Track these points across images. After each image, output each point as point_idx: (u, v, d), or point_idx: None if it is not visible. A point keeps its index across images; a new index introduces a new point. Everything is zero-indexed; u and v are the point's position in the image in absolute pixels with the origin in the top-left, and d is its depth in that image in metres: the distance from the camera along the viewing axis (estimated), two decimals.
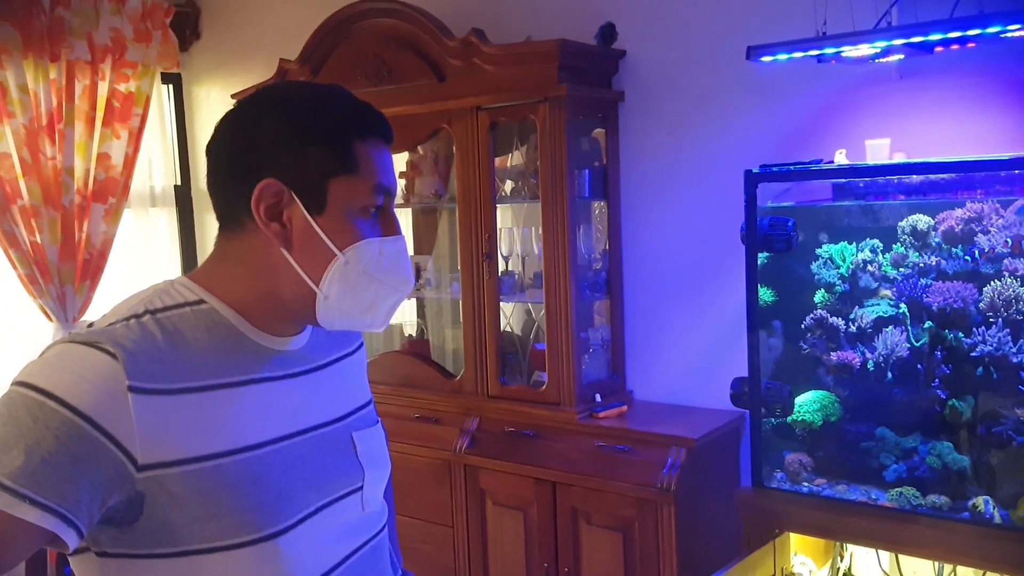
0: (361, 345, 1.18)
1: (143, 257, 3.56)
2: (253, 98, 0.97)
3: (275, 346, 0.99)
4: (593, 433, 2.41)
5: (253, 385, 0.95)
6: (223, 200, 0.97)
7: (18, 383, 0.84)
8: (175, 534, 0.88)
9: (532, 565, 2.47)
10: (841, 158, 2.00)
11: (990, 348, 1.75)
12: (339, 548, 1.01)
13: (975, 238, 1.81)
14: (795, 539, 1.94)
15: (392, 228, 0.98)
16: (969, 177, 1.88)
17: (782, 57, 2.01)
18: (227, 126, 0.97)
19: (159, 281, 0.98)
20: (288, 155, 0.93)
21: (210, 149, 0.98)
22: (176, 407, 0.88)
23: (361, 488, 1.04)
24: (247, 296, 0.97)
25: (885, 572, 2.00)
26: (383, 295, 0.98)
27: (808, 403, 1.96)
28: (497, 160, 2.68)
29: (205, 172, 0.98)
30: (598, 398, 2.52)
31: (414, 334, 3.16)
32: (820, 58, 2.08)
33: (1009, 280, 1.74)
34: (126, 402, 0.84)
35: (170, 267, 3.62)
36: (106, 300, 3.36)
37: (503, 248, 2.65)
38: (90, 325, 0.93)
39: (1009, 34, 1.82)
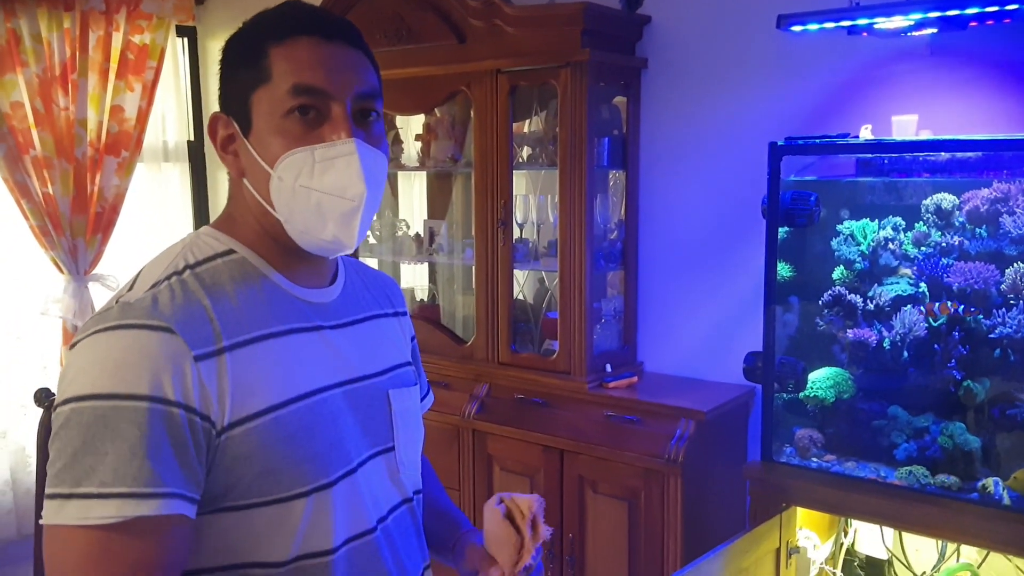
0: (405, 313, 1.17)
1: (155, 212, 3.56)
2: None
3: (305, 297, 0.98)
4: (602, 403, 2.42)
5: (293, 335, 0.94)
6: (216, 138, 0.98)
7: (86, 396, 0.81)
8: (236, 490, 0.88)
9: None
10: (867, 133, 1.98)
11: (1009, 330, 1.75)
12: (378, 506, 1.01)
13: (1000, 219, 1.80)
14: (801, 513, 1.96)
15: (335, 131, 0.90)
16: (997, 157, 1.86)
17: (813, 27, 1.98)
18: None
19: (186, 234, 0.99)
20: (224, 83, 0.95)
21: None
22: (235, 364, 0.87)
23: (394, 448, 1.03)
24: (257, 238, 0.96)
25: (889, 549, 2.02)
26: (329, 207, 0.91)
27: (821, 380, 1.97)
28: (515, 125, 2.67)
29: None
30: (608, 368, 2.54)
31: (425, 299, 3.17)
32: (851, 30, 2.06)
33: None
34: (197, 373, 0.84)
35: (182, 223, 3.63)
36: (117, 254, 3.37)
37: (518, 215, 2.64)
38: (130, 288, 0.90)
39: None
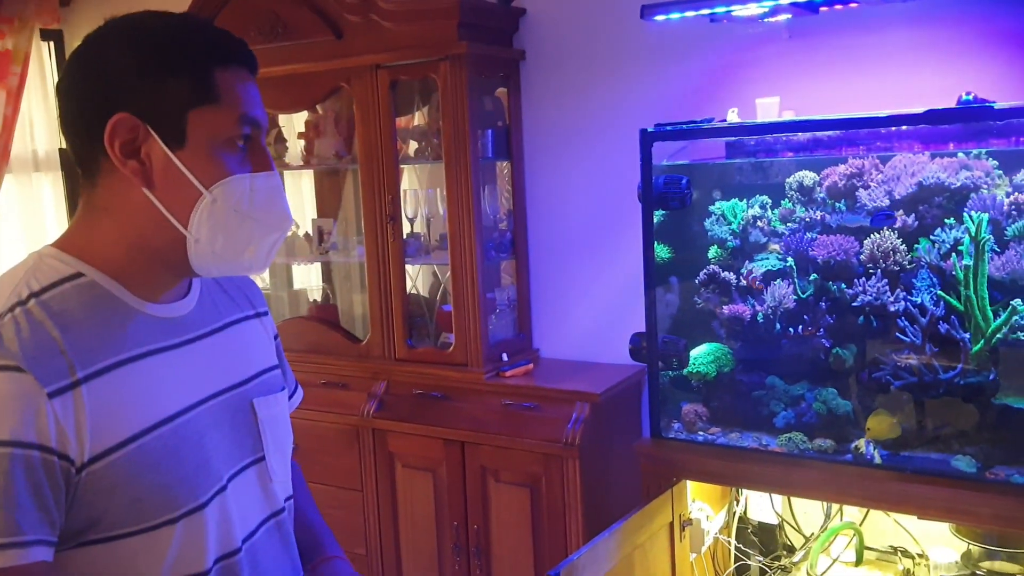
0: (266, 313, 1.14)
1: (27, 225, 3.36)
2: (102, 30, 0.91)
3: (161, 314, 0.94)
4: (500, 392, 2.42)
5: (149, 357, 0.91)
6: (78, 143, 0.90)
7: None
8: (102, 523, 0.85)
9: (442, 525, 2.49)
10: (733, 117, 2.04)
11: (870, 298, 1.83)
12: (247, 521, 0.98)
13: (856, 192, 1.88)
14: (693, 486, 2.01)
15: (264, 163, 0.93)
16: (853, 134, 1.94)
17: (675, 16, 2.02)
18: (76, 62, 0.90)
19: (26, 257, 0.92)
20: (142, 87, 0.87)
21: (59, 89, 0.92)
22: (92, 396, 0.84)
23: (264, 458, 1.01)
24: (120, 256, 0.91)
25: (778, 514, 2.09)
26: (259, 234, 0.93)
27: (703, 355, 2.02)
28: (400, 120, 2.63)
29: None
30: (505, 357, 2.54)
31: (319, 299, 3.10)
32: (712, 18, 2.11)
33: (887, 232, 1.82)
34: (52, 411, 0.81)
35: (56, 234, 3.42)
36: None
37: (408, 210, 2.61)
38: None
39: None
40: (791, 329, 1.92)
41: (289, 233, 2.95)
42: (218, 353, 1.00)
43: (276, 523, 1.03)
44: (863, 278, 1.84)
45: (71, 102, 0.90)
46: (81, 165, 0.91)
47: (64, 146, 3.32)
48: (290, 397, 1.17)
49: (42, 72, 3.38)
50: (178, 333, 0.95)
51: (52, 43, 3.43)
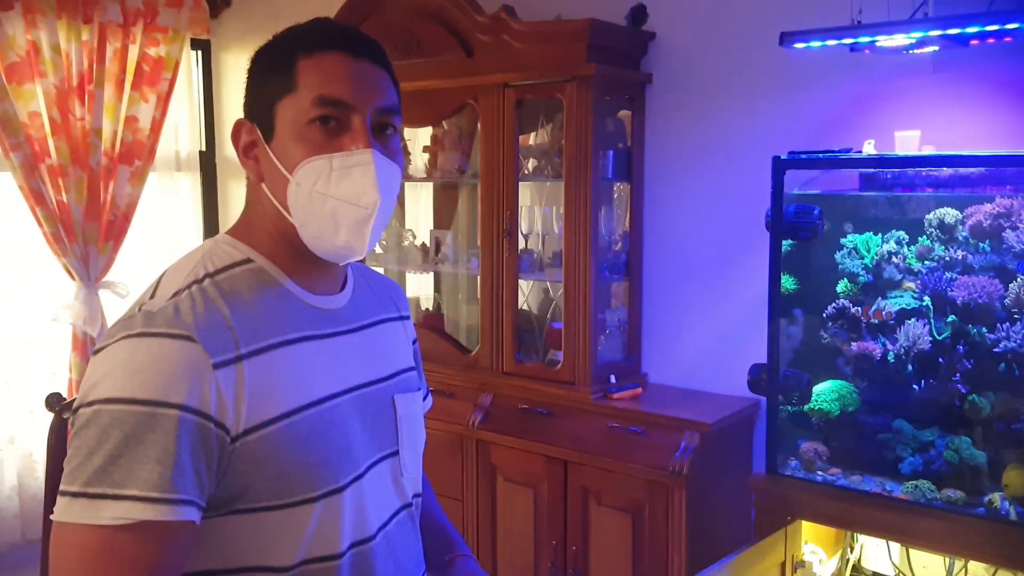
0: (408, 317, 1.19)
1: (166, 221, 3.55)
2: None
3: (318, 304, 0.99)
4: (606, 414, 2.39)
5: (306, 342, 0.95)
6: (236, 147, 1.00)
7: (108, 400, 0.82)
8: (248, 495, 0.88)
9: (540, 542, 2.46)
10: (870, 148, 1.96)
11: (1014, 344, 1.72)
12: (382, 511, 1.01)
13: (1003, 233, 1.77)
14: (806, 527, 1.92)
15: (353, 141, 0.92)
16: (999, 172, 1.84)
17: (815, 44, 1.96)
18: None
19: (204, 241, 1.01)
20: (250, 91, 0.97)
21: None
22: (252, 371, 0.88)
23: (398, 452, 1.04)
24: (273, 245, 0.97)
25: (895, 565, 1.98)
26: (343, 213, 0.93)
27: (826, 392, 1.94)
28: (521, 138, 2.65)
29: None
30: (613, 379, 2.50)
31: (431, 308, 3.15)
32: (853, 47, 2.04)
33: None
34: (216, 380, 0.85)
35: (192, 232, 3.61)
36: (128, 261, 3.36)
37: (523, 226, 2.63)
38: (152, 295, 0.91)
39: None
40: (926, 375, 1.82)
41: (407, 243, 3.03)
42: (365, 348, 1.04)
43: (408, 514, 1.07)
44: (1007, 323, 1.73)
45: None
46: (242, 164, 1.01)
47: (204, 149, 3.52)
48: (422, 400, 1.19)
49: (189, 79, 3.59)
50: (332, 324, 1.00)
51: (200, 52, 3.64)
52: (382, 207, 0.93)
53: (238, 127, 0.98)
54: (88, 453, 0.81)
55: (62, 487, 0.82)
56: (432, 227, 3.09)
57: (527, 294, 2.82)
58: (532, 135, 2.74)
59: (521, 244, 2.63)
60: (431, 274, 3.15)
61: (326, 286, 1.01)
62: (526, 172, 2.66)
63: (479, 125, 2.63)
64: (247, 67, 0.99)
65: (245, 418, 0.87)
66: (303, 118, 0.92)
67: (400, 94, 1.00)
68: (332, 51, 0.93)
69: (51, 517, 0.83)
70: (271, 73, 0.95)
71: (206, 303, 0.89)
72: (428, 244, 2.99)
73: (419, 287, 3.26)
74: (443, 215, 3.11)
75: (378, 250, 3.10)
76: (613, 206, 2.63)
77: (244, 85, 0.99)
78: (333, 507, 0.92)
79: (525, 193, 2.81)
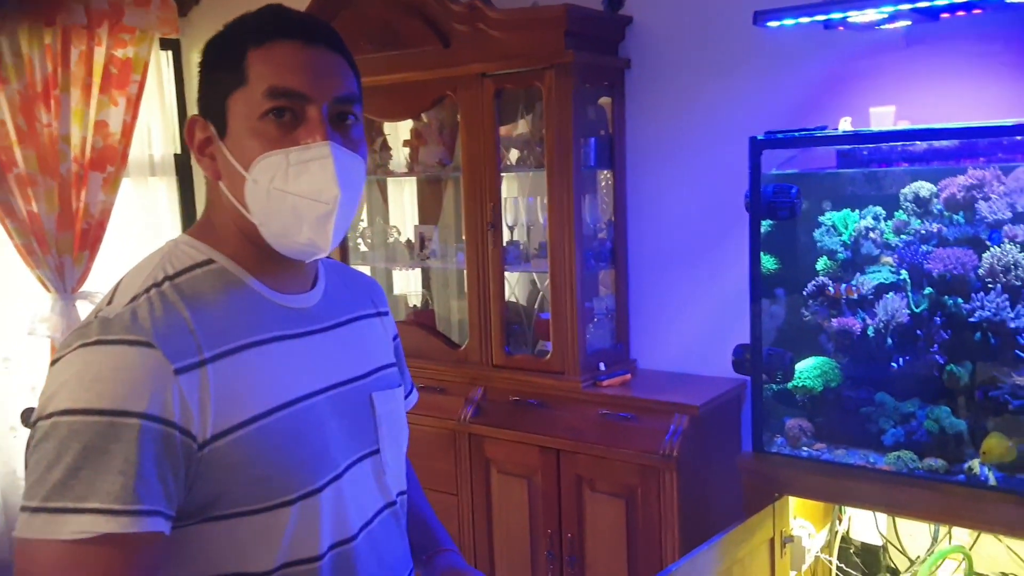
0: (386, 313, 1.21)
1: (143, 227, 3.66)
2: None
3: (287, 304, 1.01)
4: (597, 401, 2.53)
5: (276, 343, 0.97)
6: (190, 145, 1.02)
7: (66, 411, 0.84)
8: (222, 501, 0.90)
9: (536, 532, 2.61)
10: (846, 125, 2.10)
11: (988, 314, 1.87)
12: (364, 510, 1.04)
13: (976, 205, 1.92)
14: (795, 503, 2.07)
15: (310, 134, 0.93)
16: (972, 145, 1.98)
17: (789, 22, 2.11)
18: None
19: (163, 244, 1.02)
20: (201, 86, 0.98)
21: None
22: (217, 375, 0.90)
23: (379, 451, 1.07)
24: (235, 244, 0.99)
25: (882, 535, 2.13)
26: (304, 210, 0.93)
27: (809, 369, 2.09)
28: (502, 129, 2.79)
29: None
30: (602, 367, 2.65)
31: (419, 304, 3.29)
32: (827, 24, 2.18)
33: (1008, 246, 1.85)
34: (178, 387, 0.87)
35: (171, 237, 3.70)
36: (105, 270, 3.45)
37: (508, 218, 2.76)
38: (109, 302, 0.94)
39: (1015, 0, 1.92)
40: (905, 348, 1.97)
41: (392, 240, 3.16)
42: (340, 346, 1.06)
43: (392, 513, 1.10)
44: (981, 293, 1.88)
45: None
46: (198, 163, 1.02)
47: (179, 151, 3.60)
48: (406, 397, 1.23)
49: (160, 80, 3.70)
50: (303, 324, 1.02)
51: (171, 52, 3.76)
52: (344, 201, 0.94)
53: (191, 124, 0.98)
54: (47, 467, 0.82)
55: (23, 503, 0.84)
56: (417, 222, 3.23)
57: (514, 286, 2.96)
58: (513, 125, 2.87)
59: (507, 236, 2.77)
60: (418, 270, 3.29)
61: (294, 285, 1.03)
62: (509, 163, 2.80)
63: (459, 117, 2.77)
64: (199, 61, 0.99)
65: (212, 423, 0.88)
66: (255, 112, 0.92)
67: (360, 82, 1.01)
68: (283, 40, 0.93)
69: (13, 534, 0.84)
70: (221, 67, 0.95)
71: (165, 307, 0.90)
72: (413, 240, 3.12)
73: (407, 284, 3.40)
74: (429, 210, 3.25)
75: (363, 248, 3.24)
76: (597, 194, 2.77)
77: (197, 81, 1.00)
78: (311, 509, 0.95)
79: (509, 184, 2.95)
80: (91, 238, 3.40)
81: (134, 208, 3.64)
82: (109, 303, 0.93)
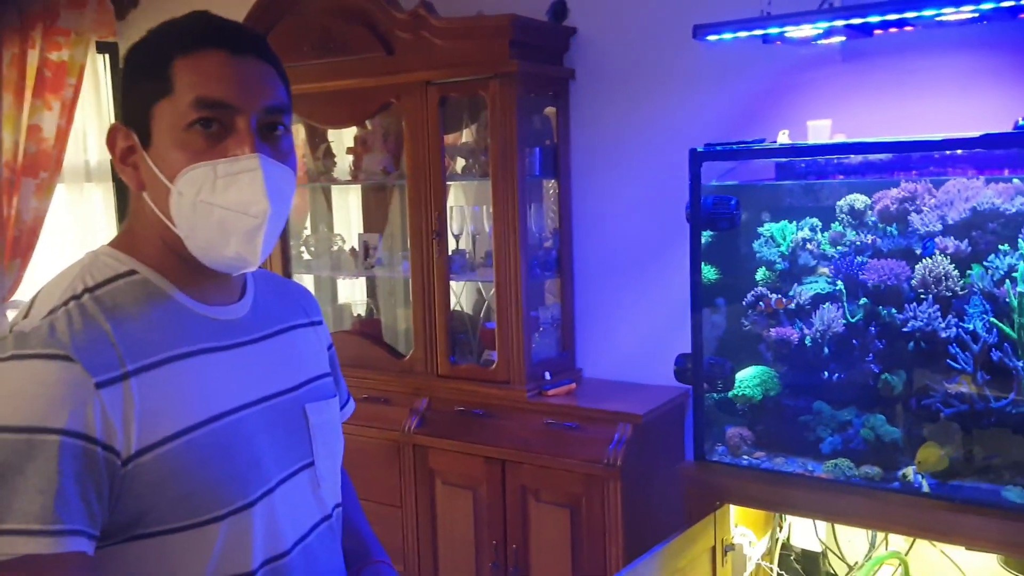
0: (320, 322, 1.19)
1: (78, 234, 3.57)
2: None
3: (214, 315, 0.99)
4: (542, 411, 2.53)
5: (203, 355, 0.95)
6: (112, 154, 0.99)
7: None
8: (148, 518, 0.88)
9: (481, 543, 2.59)
10: (784, 138, 2.13)
11: (921, 324, 1.91)
12: (298, 525, 1.02)
13: (908, 217, 1.96)
14: (736, 511, 2.09)
15: (239, 145, 0.91)
16: (905, 158, 2.03)
17: (727, 36, 2.13)
18: None
19: (82, 255, 0.99)
20: (125, 94, 0.96)
21: None
22: (141, 389, 0.88)
23: (313, 463, 1.05)
24: (159, 255, 0.97)
25: (822, 541, 2.16)
26: (232, 223, 0.92)
27: (749, 378, 2.11)
28: (448, 137, 2.77)
29: None
30: (547, 376, 2.65)
31: (364, 314, 3.25)
32: (765, 39, 2.22)
33: (940, 258, 1.90)
34: (99, 401, 0.84)
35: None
36: (38, 279, 3.36)
37: (453, 226, 2.75)
38: (25, 315, 0.91)
39: (944, 17, 1.97)
40: (841, 357, 2.00)
41: (336, 248, 3.12)
42: (270, 358, 1.04)
43: (328, 527, 1.08)
44: (914, 303, 1.92)
45: None
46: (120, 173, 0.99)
47: None
48: (342, 408, 1.21)
49: (97, 84, 3.61)
50: (231, 335, 1.00)
51: (107, 56, 3.66)
52: (273, 215, 0.92)
53: (113, 133, 0.96)
54: None
55: None
56: (362, 231, 3.19)
57: (459, 295, 2.95)
58: (459, 134, 2.86)
59: (452, 245, 2.75)
60: (363, 279, 3.25)
61: (221, 296, 1.01)
62: (454, 172, 2.78)
63: (404, 125, 2.74)
64: (122, 67, 0.97)
65: (137, 438, 0.86)
66: (181, 122, 0.90)
67: (290, 92, 1.00)
68: (211, 49, 0.91)
69: None
70: (146, 74, 0.93)
71: (85, 319, 0.88)
72: (358, 248, 3.08)
73: (352, 293, 3.36)
74: (374, 218, 3.22)
75: (307, 256, 3.19)
76: (543, 203, 2.77)
77: (120, 87, 0.97)
78: (242, 524, 0.93)
79: (455, 193, 2.93)
80: (23, 246, 3.30)
81: (69, 215, 3.55)
82: (26, 316, 0.90)
